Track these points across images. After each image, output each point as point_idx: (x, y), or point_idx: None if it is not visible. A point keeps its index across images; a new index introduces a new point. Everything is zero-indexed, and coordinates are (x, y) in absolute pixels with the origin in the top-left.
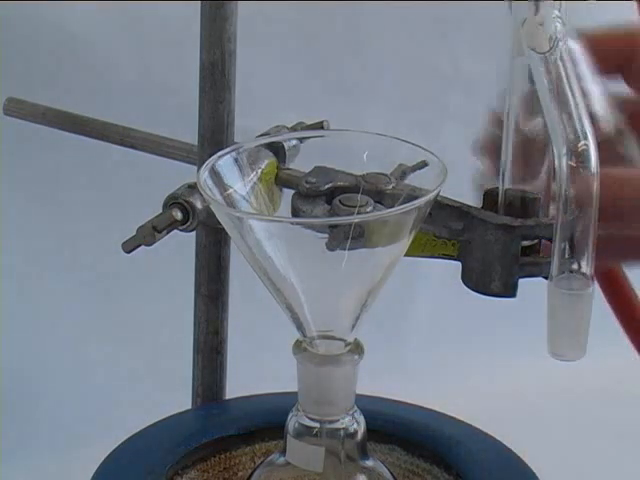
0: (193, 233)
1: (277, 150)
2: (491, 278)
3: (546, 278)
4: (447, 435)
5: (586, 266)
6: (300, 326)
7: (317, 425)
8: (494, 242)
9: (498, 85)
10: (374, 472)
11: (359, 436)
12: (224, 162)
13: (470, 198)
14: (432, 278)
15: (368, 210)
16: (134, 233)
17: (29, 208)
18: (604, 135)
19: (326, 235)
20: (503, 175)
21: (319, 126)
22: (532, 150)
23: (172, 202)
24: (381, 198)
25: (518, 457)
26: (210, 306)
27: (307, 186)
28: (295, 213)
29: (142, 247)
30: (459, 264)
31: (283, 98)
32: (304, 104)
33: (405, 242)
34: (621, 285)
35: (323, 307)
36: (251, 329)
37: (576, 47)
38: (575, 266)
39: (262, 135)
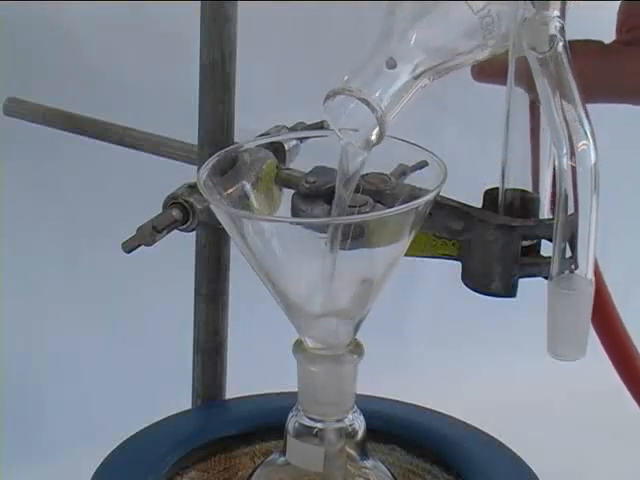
0: (193, 233)
1: (277, 150)
2: (491, 278)
3: (546, 278)
4: (447, 435)
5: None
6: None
7: (317, 425)
8: (494, 242)
9: None
10: (374, 472)
11: (359, 436)
12: (224, 162)
13: (470, 198)
14: (432, 278)
15: (368, 210)
16: (134, 233)
17: (29, 208)
18: None
19: (326, 235)
20: (503, 175)
21: (319, 126)
22: None
23: (172, 202)
24: (381, 198)
25: (518, 457)
26: (210, 306)
27: (307, 186)
28: (295, 213)
29: (142, 247)
30: (459, 264)
31: (283, 98)
32: (304, 104)
33: (405, 242)
34: (623, 343)
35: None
36: (251, 329)
37: None
38: (575, 266)
39: (262, 135)
